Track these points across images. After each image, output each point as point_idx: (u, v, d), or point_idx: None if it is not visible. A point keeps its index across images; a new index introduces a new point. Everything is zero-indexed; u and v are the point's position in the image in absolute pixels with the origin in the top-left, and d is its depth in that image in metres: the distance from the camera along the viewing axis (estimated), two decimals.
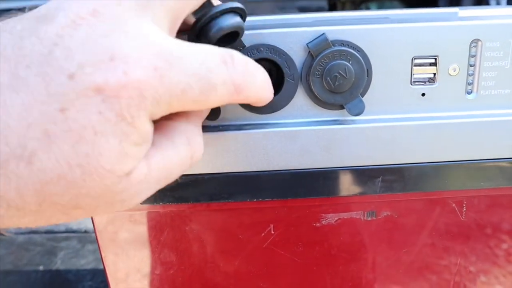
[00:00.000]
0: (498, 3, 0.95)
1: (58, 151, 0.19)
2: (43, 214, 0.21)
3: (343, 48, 0.28)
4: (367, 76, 0.29)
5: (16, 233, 0.86)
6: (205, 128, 0.30)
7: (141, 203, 0.32)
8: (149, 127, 0.21)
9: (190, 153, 0.24)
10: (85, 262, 0.79)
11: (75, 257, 0.80)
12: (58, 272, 0.79)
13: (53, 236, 0.85)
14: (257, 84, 0.24)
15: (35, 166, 0.19)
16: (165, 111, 0.21)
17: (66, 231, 0.86)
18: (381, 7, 1.23)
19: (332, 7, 1.26)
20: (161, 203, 0.32)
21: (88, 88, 0.19)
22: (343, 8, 1.28)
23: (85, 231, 0.87)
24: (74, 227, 0.86)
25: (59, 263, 0.78)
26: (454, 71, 0.30)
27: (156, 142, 0.23)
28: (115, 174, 0.20)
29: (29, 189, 0.20)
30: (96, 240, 0.34)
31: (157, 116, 0.21)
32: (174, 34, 0.24)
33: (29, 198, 0.20)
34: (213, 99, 0.22)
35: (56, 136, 0.19)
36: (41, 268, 0.79)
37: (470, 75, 0.30)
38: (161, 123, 0.24)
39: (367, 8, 1.26)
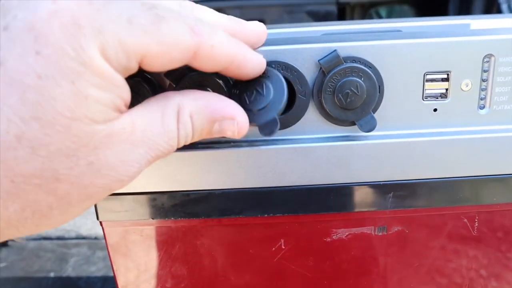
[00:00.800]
0: (509, 7, 0.94)
1: (7, 108, 0.17)
2: (20, 196, 0.19)
3: (355, 64, 0.28)
4: (379, 92, 0.29)
5: (27, 239, 0.87)
6: (217, 144, 0.30)
7: (154, 218, 0.32)
8: (107, 68, 0.19)
9: (176, 124, 0.22)
10: (95, 269, 0.80)
11: (86, 263, 0.81)
12: (69, 279, 0.80)
13: (64, 243, 0.85)
14: (219, 38, 0.22)
15: None
16: (120, 51, 0.19)
17: (77, 238, 0.87)
18: (390, 11, 1.23)
19: (341, 12, 1.26)
20: (172, 218, 0.32)
21: (22, 32, 0.18)
22: (352, 13, 1.27)
23: (96, 238, 0.87)
24: (85, 233, 0.87)
25: (70, 270, 0.79)
26: (467, 86, 0.30)
27: (147, 105, 0.22)
28: (81, 121, 0.18)
29: None
30: (107, 252, 0.35)
31: (112, 58, 0.19)
32: None
33: None
34: (168, 36, 0.20)
35: (3, 95, 0.17)
36: (52, 275, 0.79)
37: (482, 90, 0.30)
38: (156, 95, 0.23)
39: (377, 13, 1.25)
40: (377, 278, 0.34)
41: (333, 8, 1.24)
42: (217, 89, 0.27)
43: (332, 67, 0.28)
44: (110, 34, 0.18)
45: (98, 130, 0.19)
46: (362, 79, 0.28)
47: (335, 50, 0.28)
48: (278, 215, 0.31)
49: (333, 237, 0.33)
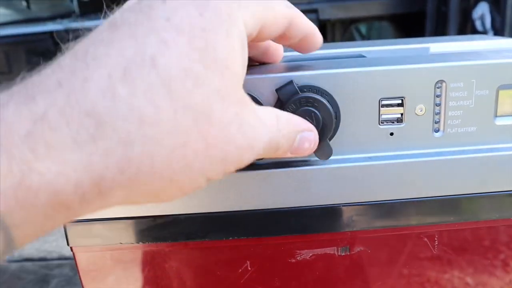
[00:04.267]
0: (483, 23, 0.97)
1: (176, 50, 0.20)
2: (181, 129, 0.19)
3: (310, 95, 0.29)
4: (335, 119, 0.30)
5: (9, 261, 0.86)
6: None
7: (123, 243, 0.33)
8: (244, 32, 0.23)
9: (276, 121, 0.25)
10: None
11: (67, 285, 0.80)
12: None
13: (46, 264, 0.85)
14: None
15: (159, 65, 0.19)
16: (251, 18, 0.23)
17: (59, 258, 0.86)
18: (370, 28, 1.25)
19: (322, 28, 1.29)
20: (140, 243, 0.33)
21: (182, 2, 0.21)
22: (333, 29, 1.30)
23: None
24: (67, 253, 0.87)
25: None
26: (421, 111, 0.31)
27: (266, 110, 0.25)
28: (230, 69, 0.21)
29: (159, 91, 0.19)
30: (78, 276, 0.35)
31: (247, 24, 0.23)
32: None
33: (161, 102, 0.19)
34: (278, 9, 0.25)
35: (172, 39, 0.20)
36: None
37: (436, 114, 0.31)
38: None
39: (357, 29, 1.28)
40: None
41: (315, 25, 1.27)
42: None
43: (288, 96, 0.29)
44: (248, 7, 0.23)
45: (241, 87, 0.22)
46: (317, 109, 0.29)
47: (291, 80, 0.29)
48: (242, 237, 0.32)
49: (297, 258, 0.33)
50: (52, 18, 1.31)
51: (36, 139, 0.17)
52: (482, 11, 0.94)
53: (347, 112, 0.31)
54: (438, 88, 0.31)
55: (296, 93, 0.29)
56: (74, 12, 1.43)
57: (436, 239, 0.34)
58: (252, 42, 0.25)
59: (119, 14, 0.21)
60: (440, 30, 1.08)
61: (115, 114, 0.18)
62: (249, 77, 0.30)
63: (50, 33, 1.29)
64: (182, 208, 0.31)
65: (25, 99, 0.18)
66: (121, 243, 0.33)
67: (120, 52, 0.19)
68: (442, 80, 0.30)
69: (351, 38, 1.30)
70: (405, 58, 0.32)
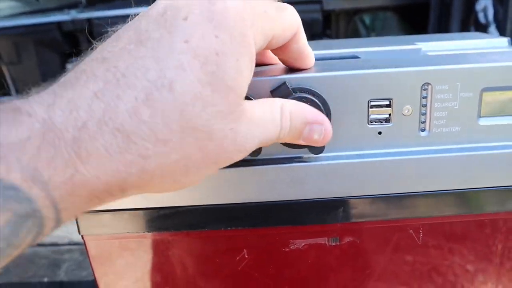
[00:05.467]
0: (485, 15, 0.98)
1: (191, 73, 0.22)
2: (183, 149, 0.23)
3: (302, 94, 0.31)
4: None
5: None
6: None
7: (130, 232, 0.35)
8: (254, 50, 0.25)
9: (280, 118, 0.27)
10: (86, 274, 0.83)
11: (77, 269, 0.84)
12: (62, 283, 0.83)
13: (57, 249, 0.89)
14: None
15: (175, 89, 0.22)
16: (261, 34, 0.25)
17: (69, 244, 0.90)
18: (374, 19, 1.26)
19: (327, 19, 1.29)
20: (145, 232, 0.35)
21: (201, 21, 0.23)
22: (337, 20, 1.30)
23: None
24: (76, 239, 0.91)
25: (62, 275, 0.83)
26: (408, 111, 0.33)
27: (260, 103, 0.27)
28: (235, 92, 0.24)
29: (173, 114, 0.22)
30: (89, 262, 0.38)
31: (257, 41, 0.25)
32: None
33: (173, 125, 0.22)
34: (286, 21, 0.27)
35: (187, 62, 0.22)
36: (45, 280, 0.83)
37: (422, 115, 0.33)
38: (261, 99, 0.28)
39: (361, 20, 1.28)
40: (331, 284, 0.37)
41: (319, 15, 1.27)
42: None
43: (282, 97, 0.31)
44: (258, 24, 0.25)
45: (241, 103, 0.25)
46: None
47: (284, 82, 0.31)
48: (240, 228, 0.35)
49: (291, 247, 0.36)
50: (59, 9, 1.33)
51: (80, 145, 0.21)
52: (485, 4, 0.94)
53: (338, 112, 0.33)
54: (424, 90, 0.33)
55: (290, 94, 0.31)
56: (81, 2, 1.45)
57: (420, 231, 0.36)
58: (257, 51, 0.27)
59: (145, 23, 0.24)
60: (443, 22, 1.08)
61: (138, 133, 0.22)
62: None
63: (58, 24, 1.31)
64: (184, 200, 0.34)
65: (68, 106, 0.21)
66: (128, 232, 0.35)
67: (144, 76, 0.22)
68: (428, 83, 0.32)
69: (355, 29, 1.31)
70: (394, 61, 0.34)
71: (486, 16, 0.94)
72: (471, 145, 0.34)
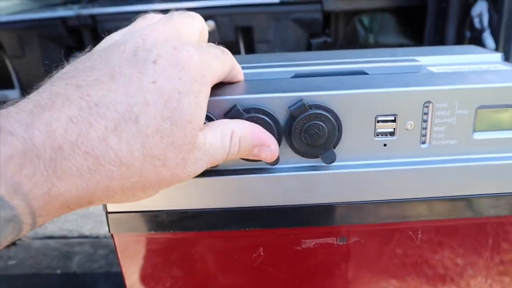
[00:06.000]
0: (481, 21, 1.01)
1: (155, 109, 0.26)
2: (143, 174, 0.27)
3: (318, 111, 0.35)
4: (338, 132, 0.36)
5: (33, 238, 0.94)
6: (209, 173, 0.37)
7: (156, 231, 0.39)
8: (210, 87, 0.30)
9: (229, 144, 0.31)
10: (98, 266, 0.87)
11: (89, 261, 0.87)
12: (75, 275, 0.86)
13: (67, 242, 0.92)
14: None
15: (140, 123, 0.26)
16: (215, 74, 0.30)
17: (79, 237, 0.93)
18: (372, 20, 1.29)
19: (326, 19, 1.32)
20: (171, 231, 0.39)
21: (168, 65, 0.27)
22: (336, 20, 1.33)
23: (97, 237, 0.94)
24: (86, 232, 0.94)
25: (74, 267, 0.86)
26: (410, 126, 0.37)
27: (212, 128, 0.31)
28: (192, 125, 0.28)
29: (136, 144, 0.26)
30: (117, 259, 0.41)
31: (212, 80, 0.30)
32: None
33: (136, 153, 0.26)
34: (228, 62, 0.33)
35: (152, 100, 0.26)
36: (58, 271, 0.86)
37: (423, 129, 0.37)
38: (216, 121, 0.33)
39: (360, 21, 1.31)
40: (339, 279, 0.41)
41: (319, 16, 1.30)
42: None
43: (299, 113, 0.34)
44: (213, 66, 0.30)
45: (196, 133, 0.29)
46: (324, 122, 0.35)
47: (301, 100, 0.34)
48: (257, 228, 0.38)
49: (302, 246, 0.40)
50: (63, 4, 1.35)
51: (56, 165, 0.24)
52: (480, 9, 0.98)
53: (348, 126, 0.36)
54: (426, 107, 0.36)
55: (306, 110, 0.35)
56: None
57: (419, 233, 0.40)
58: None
59: (117, 59, 0.27)
60: (440, 25, 1.12)
61: (106, 158, 0.25)
62: (266, 95, 0.35)
63: (62, 19, 1.33)
64: (207, 204, 0.37)
65: (46, 128, 0.24)
66: (154, 231, 0.39)
67: (115, 108, 0.26)
68: (429, 101, 0.36)
69: (354, 29, 1.34)
70: (399, 79, 0.37)
71: (481, 21, 0.97)
72: (466, 157, 0.38)
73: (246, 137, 0.32)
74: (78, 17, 1.30)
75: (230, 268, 0.41)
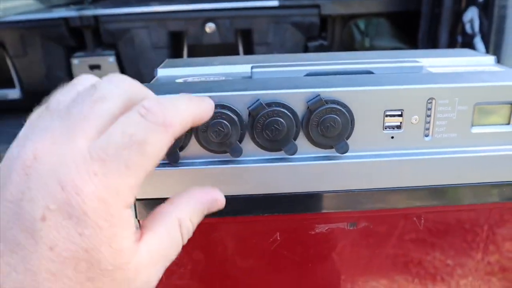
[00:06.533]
0: (472, 26, 1.06)
1: (67, 280, 0.22)
2: None
3: (333, 105, 0.38)
4: (351, 125, 0.39)
5: None
6: (233, 162, 0.40)
7: None
8: (129, 215, 0.24)
9: (180, 235, 0.28)
10: None
11: None
12: None
13: None
14: (182, 110, 0.27)
15: None
16: (132, 194, 0.24)
17: None
18: (368, 24, 1.33)
19: (323, 23, 1.36)
20: None
21: (61, 220, 0.22)
22: (333, 24, 1.38)
23: None
24: None
25: None
26: (415, 120, 0.40)
27: (154, 229, 0.27)
28: (120, 267, 0.23)
29: None
30: None
31: (131, 200, 0.24)
32: None
33: None
34: (153, 150, 0.24)
35: (58, 271, 0.22)
36: None
37: (427, 123, 0.41)
38: (155, 212, 0.28)
39: (356, 25, 1.36)
40: (349, 261, 0.45)
41: (316, 20, 1.34)
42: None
43: (316, 107, 0.38)
44: (124, 188, 0.23)
45: (129, 268, 0.24)
46: (338, 116, 0.38)
47: (318, 95, 0.38)
48: (274, 214, 0.42)
49: (316, 230, 0.43)
50: (66, 5, 1.37)
51: None
52: (471, 15, 1.03)
53: (359, 120, 0.40)
54: (429, 103, 0.40)
55: (322, 104, 0.38)
56: None
57: (422, 218, 0.43)
58: None
59: (6, 218, 0.22)
60: (433, 29, 1.17)
61: None
62: (285, 91, 0.39)
63: (65, 19, 1.35)
64: (228, 191, 0.40)
65: None
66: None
67: None
68: (432, 98, 0.40)
69: (350, 33, 1.38)
70: (404, 79, 0.41)
71: (472, 27, 1.02)
72: (465, 149, 0.41)
73: (196, 210, 0.30)
74: (80, 17, 1.32)
75: (248, 252, 0.44)
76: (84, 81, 0.27)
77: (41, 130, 0.24)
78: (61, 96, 0.26)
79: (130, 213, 0.24)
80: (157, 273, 0.27)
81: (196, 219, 0.30)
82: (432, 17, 1.14)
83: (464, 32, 1.06)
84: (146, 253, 0.25)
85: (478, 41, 1.01)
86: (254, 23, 1.30)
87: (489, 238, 0.45)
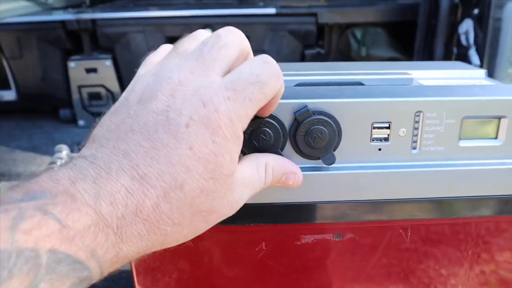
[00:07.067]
0: (467, 38, 1.07)
1: (197, 174, 0.29)
2: (193, 225, 0.30)
3: (320, 117, 0.38)
4: (338, 136, 0.39)
5: None
6: None
7: None
8: (241, 137, 0.31)
9: (265, 174, 0.35)
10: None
11: None
12: None
13: None
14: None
15: (185, 189, 0.29)
16: (247, 117, 0.31)
17: None
18: (364, 33, 1.34)
19: (320, 31, 1.37)
20: None
21: (200, 128, 0.29)
22: (330, 32, 1.38)
23: None
24: None
25: None
26: (403, 133, 0.40)
27: (247, 163, 0.34)
28: (230, 176, 0.30)
29: (185, 206, 0.29)
30: None
31: (244, 125, 0.31)
32: None
33: (186, 213, 0.29)
34: (269, 91, 0.31)
35: (192, 166, 0.28)
36: None
37: (415, 136, 0.40)
38: (250, 155, 0.36)
39: (352, 34, 1.36)
40: (335, 273, 0.44)
41: (313, 28, 1.35)
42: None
43: (303, 118, 0.38)
44: (244, 114, 0.30)
45: (234, 179, 0.31)
46: (325, 127, 0.38)
47: (306, 106, 0.38)
48: (260, 224, 0.41)
49: (302, 241, 0.43)
50: (64, 8, 1.37)
51: (121, 232, 0.28)
52: (467, 27, 1.03)
53: (347, 131, 0.39)
54: (417, 116, 0.40)
55: (310, 115, 0.38)
56: (84, 2, 1.49)
57: (409, 231, 0.43)
58: None
59: (153, 122, 0.29)
60: (429, 40, 1.17)
61: (160, 222, 0.29)
62: None
63: (62, 22, 1.35)
64: None
65: (109, 199, 0.27)
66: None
67: (162, 178, 0.28)
68: (420, 111, 0.39)
69: (347, 42, 1.39)
70: (393, 91, 0.41)
71: (467, 39, 1.02)
72: (453, 162, 0.41)
73: (277, 166, 0.36)
74: (78, 21, 1.32)
75: (234, 261, 0.44)
76: (204, 33, 0.35)
77: (177, 65, 0.31)
78: (188, 44, 0.33)
79: (241, 143, 0.31)
80: (245, 195, 0.33)
81: (277, 173, 0.36)
82: (428, 28, 1.14)
83: (459, 44, 1.07)
84: (240, 174, 0.32)
85: (473, 53, 1.01)
86: (251, 30, 1.30)
87: (475, 252, 0.45)
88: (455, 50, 1.09)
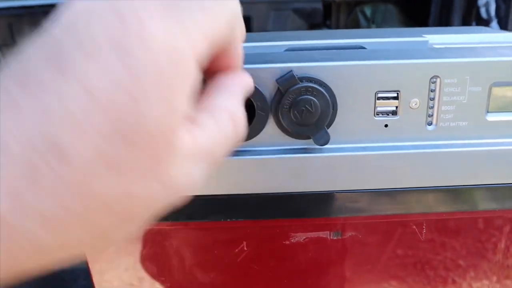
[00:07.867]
0: (487, 10, 0.97)
1: (92, 133, 0.16)
2: (91, 224, 0.17)
3: (309, 84, 0.30)
4: (333, 109, 0.31)
5: None
6: None
7: None
8: (193, 64, 0.18)
9: (234, 127, 0.22)
10: (77, 262, 0.82)
11: None
12: (53, 271, 0.82)
13: None
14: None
15: (70, 162, 0.15)
16: (202, 37, 0.19)
17: None
18: (375, 11, 1.25)
19: (327, 9, 1.28)
20: None
21: (108, 53, 0.16)
22: (338, 11, 1.29)
23: None
24: None
25: None
26: (415, 104, 0.32)
27: (201, 122, 0.21)
28: (164, 137, 0.17)
29: (66, 194, 0.16)
30: None
31: (198, 50, 0.19)
32: None
33: (71, 204, 0.16)
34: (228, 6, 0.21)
35: (86, 117, 0.16)
36: None
37: (430, 108, 0.33)
38: (204, 104, 0.22)
39: (362, 11, 1.27)
40: (332, 278, 0.37)
41: (319, 6, 1.26)
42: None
43: (288, 86, 0.30)
44: (192, 27, 0.19)
45: (172, 143, 0.18)
46: (316, 97, 0.30)
47: (291, 71, 0.30)
48: (240, 219, 0.34)
49: (292, 240, 0.35)
50: None
51: None
52: None
53: (344, 103, 0.32)
54: (432, 83, 0.32)
55: (296, 82, 0.30)
56: None
57: (424, 227, 0.35)
58: None
59: (37, 56, 0.16)
60: (444, 16, 1.08)
61: (23, 225, 0.16)
62: (250, 66, 0.31)
63: (55, 6, 1.29)
64: None
65: None
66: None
67: (29, 142, 0.15)
68: (437, 76, 0.32)
69: (356, 20, 1.30)
70: (402, 52, 0.33)
71: (488, 11, 0.93)
72: (478, 141, 0.33)
73: (241, 100, 0.23)
74: None
75: (209, 264, 0.36)
76: None
77: None
78: None
79: (194, 76, 0.19)
80: (200, 171, 0.21)
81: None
82: (444, 1, 1.05)
83: (478, 17, 0.97)
84: (188, 141, 0.19)
85: (494, 26, 0.92)
86: (253, 9, 1.22)
87: (505, 253, 0.37)
88: (474, 24, 1.00)
